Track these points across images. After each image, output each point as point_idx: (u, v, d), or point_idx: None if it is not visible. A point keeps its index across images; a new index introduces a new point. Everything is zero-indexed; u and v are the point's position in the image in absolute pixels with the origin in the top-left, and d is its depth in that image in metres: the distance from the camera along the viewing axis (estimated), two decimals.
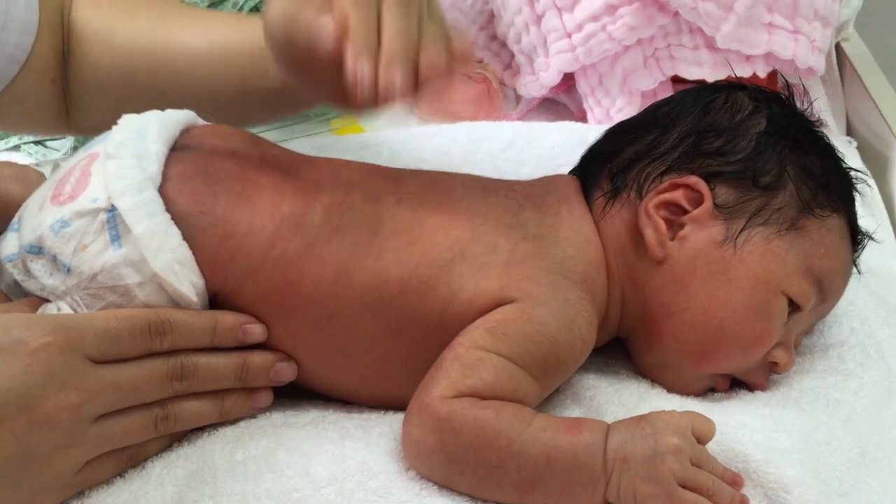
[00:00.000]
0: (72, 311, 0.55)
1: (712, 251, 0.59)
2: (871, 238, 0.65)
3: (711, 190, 0.60)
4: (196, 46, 0.73)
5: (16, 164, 0.66)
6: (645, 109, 0.70)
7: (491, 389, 0.54)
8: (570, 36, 0.94)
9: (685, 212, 0.60)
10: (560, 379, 0.59)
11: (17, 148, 1.06)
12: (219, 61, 0.71)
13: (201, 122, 0.64)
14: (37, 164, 0.70)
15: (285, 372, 0.58)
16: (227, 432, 0.57)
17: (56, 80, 0.76)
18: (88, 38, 0.75)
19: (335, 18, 0.54)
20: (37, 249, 0.56)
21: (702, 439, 0.53)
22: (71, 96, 0.78)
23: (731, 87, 0.66)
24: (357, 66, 0.53)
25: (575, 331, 0.58)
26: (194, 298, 0.56)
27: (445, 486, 0.54)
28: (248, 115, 0.76)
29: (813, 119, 0.65)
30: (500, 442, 0.52)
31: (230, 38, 0.72)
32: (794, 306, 0.60)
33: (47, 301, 0.57)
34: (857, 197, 0.65)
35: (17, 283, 0.58)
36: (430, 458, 0.53)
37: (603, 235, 0.62)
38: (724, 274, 0.59)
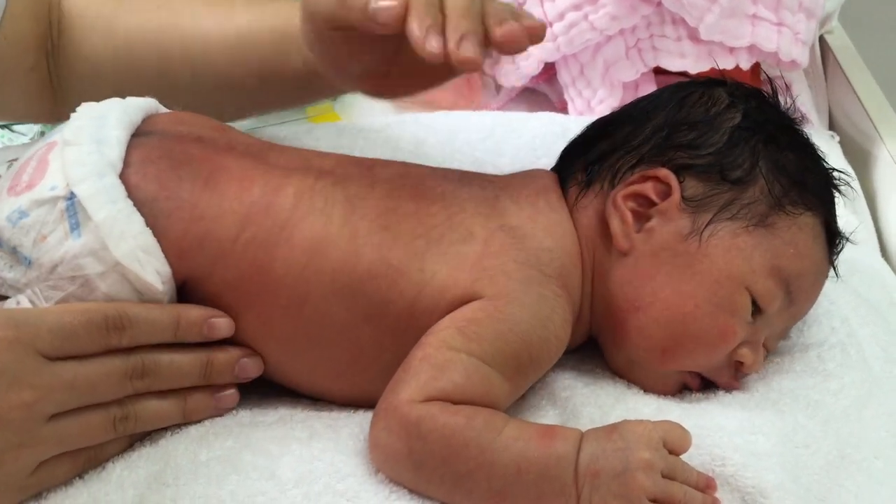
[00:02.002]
0: (30, 305, 0.53)
1: (677, 244, 0.58)
2: (848, 240, 0.64)
3: (681, 183, 0.59)
4: (215, 32, 0.69)
5: None
6: (624, 105, 0.69)
7: (461, 392, 0.52)
8: (551, 25, 0.93)
9: (653, 204, 0.60)
10: (532, 378, 0.58)
11: None
12: (239, 47, 0.68)
13: (164, 109, 0.62)
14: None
15: (250, 368, 0.57)
16: (191, 431, 0.55)
17: (37, 68, 0.73)
18: (85, 27, 0.72)
19: None
20: None
21: (676, 451, 0.52)
22: (63, 87, 0.75)
23: (711, 82, 0.65)
24: (426, 43, 0.51)
25: (549, 328, 0.56)
26: (160, 287, 0.54)
27: (414, 490, 0.52)
28: (264, 103, 0.73)
29: (794, 116, 0.64)
30: (469, 452, 0.51)
31: (251, 22, 0.68)
32: (759, 306, 0.59)
33: (3, 297, 0.55)
34: (840, 198, 0.64)
35: None
36: (397, 463, 0.52)
37: (576, 226, 0.61)
38: (687, 267, 0.58)
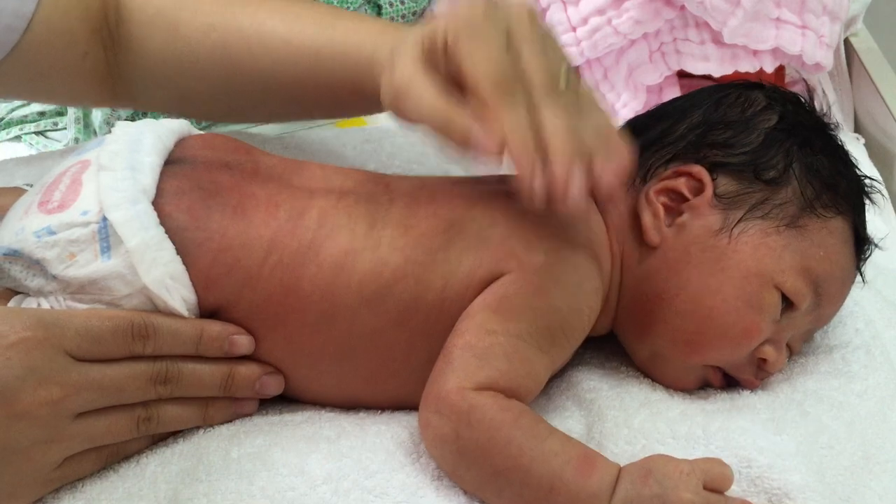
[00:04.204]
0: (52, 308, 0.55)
1: (707, 239, 0.59)
2: (877, 246, 0.64)
3: (713, 180, 0.60)
4: (285, 46, 0.68)
5: (14, 191, 0.65)
6: (661, 104, 0.69)
7: (507, 378, 0.53)
8: (574, 30, 0.93)
9: (685, 199, 0.60)
10: (568, 348, 0.58)
11: (18, 139, 1.06)
12: (312, 67, 0.67)
13: (195, 131, 0.63)
14: (30, 186, 0.69)
15: (271, 385, 0.58)
16: (222, 429, 0.57)
17: (90, 56, 0.73)
18: (144, 23, 0.71)
19: (489, 122, 0.51)
20: (13, 252, 0.55)
21: (719, 489, 0.51)
22: (123, 76, 0.75)
23: (749, 85, 0.65)
24: (532, 179, 0.51)
25: (580, 296, 0.57)
26: (185, 314, 0.55)
27: (454, 477, 0.53)
28: (303, 113, 0.71)
29: (829, 122, 0.65)
30: (510, 450, 0.51)
31: (323, 45, 0.66)
32: (788, 303, 0.59)
33: (24, 294, 0.56)
34: (869, 204, 0.64)
35: None
36: (444, 445, 0.53)
37: (607, 218, 0.62)
38: (716, 262, 0.58)
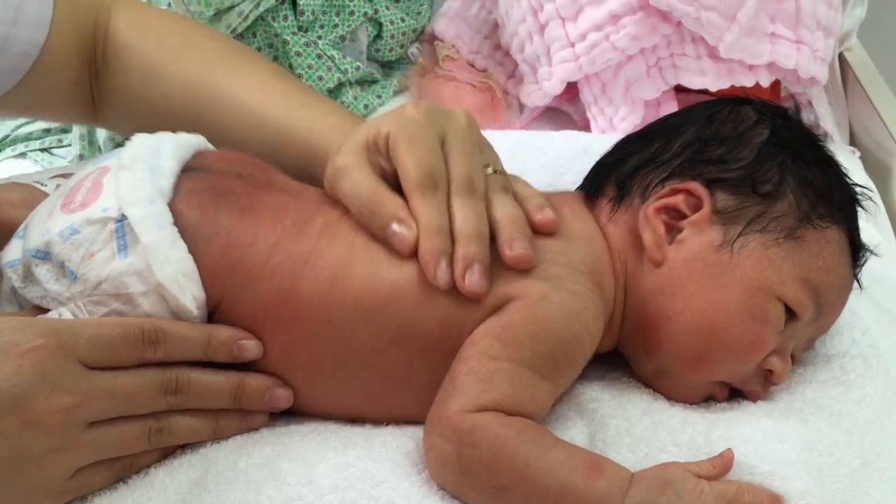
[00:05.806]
0: (72, 317, 0.55)
1: (709, 255, 0.60)
2: (872, 253, 0.65)
3: (711, 196, 0.61)
4: (252, 113, 0.72)
5: (25, 187, 0.67)
6: (653, 122, 0.71)
7: (510, 401, 0.54)
8: (573, 45, 0.95)
9: (684, 216, 0.61)
10: (570, 374, 0.59)
11: (23, 156, 1.07)
12: (272, 144, 0.71)
13: (211, 147, 0.65)
14: (40, 184, 0.70)
15: (281, 398, 0.58)
16: (230, 440, 0.57)
17: (79, 83, 0.76)
18: (129, 68, 0.74)
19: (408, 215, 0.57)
20: (43, 254, 0.56)
21: None
22: (102, 106, 0.78)
23: (738, 100, 0.66)
24: (435, 272, 0.56)
25: (582, 322, 0.57)
26: (195, 311, 0.56)
27: (456, 496, 0.53)
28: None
29: (818, 133, 0.66)
30: (515, 464, 0.52)
31: (285, 120, 0.71)
32: (791, 314, 0.60)
33: (45, 310, 0.57)
34: (861, 213, 0.65)
35: (13, 291, 0.59)
36: (445, 467, 0.53)
37: (607, 239, 0.62)
38: (719, 277, 0.59)
